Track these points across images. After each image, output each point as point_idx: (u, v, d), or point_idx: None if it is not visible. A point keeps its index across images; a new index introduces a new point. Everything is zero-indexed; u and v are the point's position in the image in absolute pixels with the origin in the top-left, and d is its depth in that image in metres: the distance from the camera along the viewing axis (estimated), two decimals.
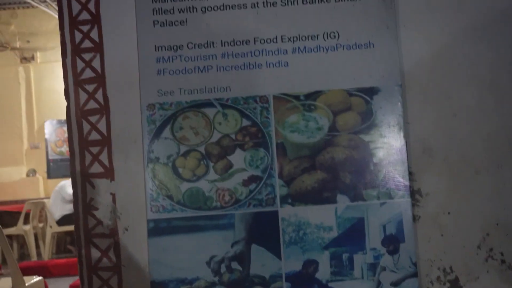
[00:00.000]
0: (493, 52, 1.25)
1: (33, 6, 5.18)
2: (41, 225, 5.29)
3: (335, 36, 1.25)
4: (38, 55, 6.35)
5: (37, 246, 5.24)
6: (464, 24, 1.25)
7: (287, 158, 1.25)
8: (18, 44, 6.19)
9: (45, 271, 4.23)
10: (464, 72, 1.25)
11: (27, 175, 6.67)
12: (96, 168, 1.25)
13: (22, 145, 6.63)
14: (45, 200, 5.40)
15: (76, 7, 1.26)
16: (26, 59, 6.32)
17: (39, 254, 5.20)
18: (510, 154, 1.25)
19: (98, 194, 1.25)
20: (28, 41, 6.19)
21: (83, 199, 1.25)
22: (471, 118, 1.25)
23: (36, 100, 6.53)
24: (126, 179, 1.25)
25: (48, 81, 6.38)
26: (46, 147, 6.73)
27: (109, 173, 1.25)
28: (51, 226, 5.08)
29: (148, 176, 1.24)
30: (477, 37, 1.25)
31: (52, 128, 6.77)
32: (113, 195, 1.24)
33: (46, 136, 6.70)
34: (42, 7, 5.06)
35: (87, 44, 1.25)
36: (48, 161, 6.76)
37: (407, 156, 1.24)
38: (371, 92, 1.25)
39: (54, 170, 6.76)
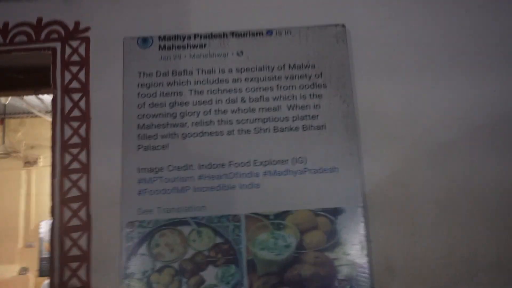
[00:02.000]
0: (448, 176, 1.29)
1: (39, 116, 5.33)
2: None
3: (302, 161, 1.30)
4: (41, 158, 6.39)
5: None
6: (420, 152, 1.31)
7: (257, 274, 1.23)
8: (23, 150, 6.25)
9: None
10: (421, 194, 1.29)
11: (19, 273, 6.42)
12: (74, 283, 1.22)
13: (17, 244, 6.44)
14: None
15: (68, 132, 1.30)
16: (29, 163, 6.34)
17: None
18: (465, 272, 1.25)
19: None
20: (32, 147, 6.26)
21: None
22: (428, 237, 1.26)
23: (35, 201, 6.46)
24: None
25: (48, 182, 6.29)
26: (40, 245, 6.53)
27: None
28: None
29: None
30: (432, 163, 1.30)
31: (47, 228, 6.62)
32: None
33: (41, 235, 6.54)
34: (47, 117, 5.21)
35: (75, 165, 1.29)
36: (40, 259, 6.55)
37: (370, 273, 1.23)
38: (335, 212, 1.26)
39: (46, 268, 6.50)
